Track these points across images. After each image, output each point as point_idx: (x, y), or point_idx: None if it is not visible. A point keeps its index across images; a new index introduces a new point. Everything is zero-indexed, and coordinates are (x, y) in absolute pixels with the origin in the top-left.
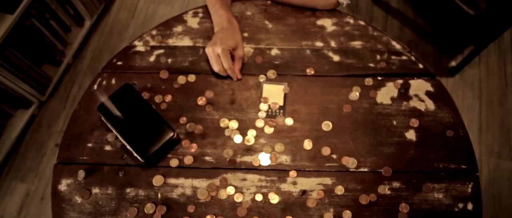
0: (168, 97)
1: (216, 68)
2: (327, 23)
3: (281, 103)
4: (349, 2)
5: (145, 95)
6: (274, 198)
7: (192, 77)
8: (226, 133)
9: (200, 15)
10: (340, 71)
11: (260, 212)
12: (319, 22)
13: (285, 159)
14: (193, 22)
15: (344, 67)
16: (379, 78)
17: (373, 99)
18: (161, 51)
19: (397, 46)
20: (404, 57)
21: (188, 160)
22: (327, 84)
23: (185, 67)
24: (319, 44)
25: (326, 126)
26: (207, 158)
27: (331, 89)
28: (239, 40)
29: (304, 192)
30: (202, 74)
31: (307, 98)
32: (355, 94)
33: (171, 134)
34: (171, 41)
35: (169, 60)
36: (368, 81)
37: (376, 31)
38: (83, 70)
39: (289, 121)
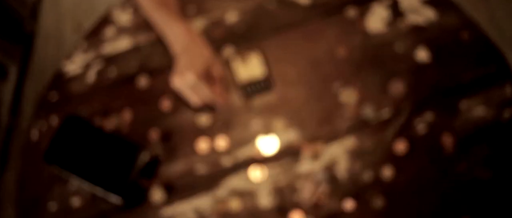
0: (127, 115)
1: (195, 101)
2: None
3: (264, 74)
4: None
5: (98, 121)
6: (298, 185)
7: (145, 81)
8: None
9: (129, 8)
10: (316, 13)
11: (287, 208)
12: None
13: (292, 135)
14: (124, 18)
15: (318, 7)
16: (362, 5)
17: (364, 30)
18: (100, 65)
19: None
20: None
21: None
22: (308, 33)
23: (133, 73)
24: None
25: (323, 75)
26: (198, 166)
27: (314, 37)
28: (211, 55)
29: (280, 210)
30: (155, 73)
31: (291, 58)
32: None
33: (147, 156)
34: (107, 50)
35: (113, 71)
36: (351, 12)
37: None
38: (27, 125)
39: (281, 90)
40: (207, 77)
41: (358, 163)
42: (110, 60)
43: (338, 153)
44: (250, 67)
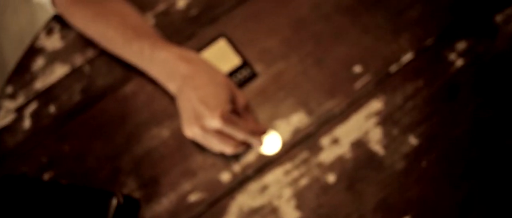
0: (81, 156)
1: (228, 150)
2: None
3: (239, 60)
4: None
5: (47, 175)
6: (326, 179)
7: (96, 110)
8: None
9: (57, 27)
10: None
11: (320, 214)
12: None
13: (299, 118)
14: (53, 42)
15: None
16: None
17: None
18: (35, 105)
19: None
20: None
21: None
22: None
23: (78, 103)
24: None
25: (314, 36)
26: (192, 197)
27: None
28: (226, 81)
29: None
30: (106, 96)
31: (269, 26)
32: None
33: (114, 201)
34: (40, 84)
35: (53, 108)
36: None
37: None
38: None
39: (267, 70)
40: (234, 111)
41: (394, 128)
42: (45, 95)
43: (364, 122)
44: (222, 58)
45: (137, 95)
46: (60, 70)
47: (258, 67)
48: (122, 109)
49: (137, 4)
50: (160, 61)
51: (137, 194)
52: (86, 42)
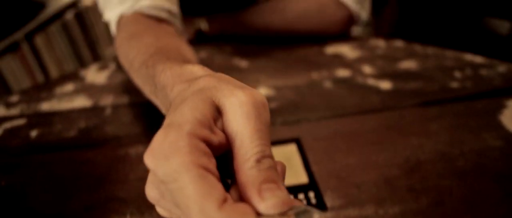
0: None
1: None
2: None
3: (307, 179)
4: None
5: None
6: None
7: (87, 156)
8: None
9: (111, 67)
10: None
11: None
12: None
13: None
14: (96, 76)
15: (403, 93)
16: None
17: None
18: (22, 121)
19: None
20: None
21: None
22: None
23: (68, 139)
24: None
25: (433, 187)
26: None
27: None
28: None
29: None
30: (104, 145)
31: (364, 158)
32: None
33: None
34: (47, 106)
35: (34, 132)
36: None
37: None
38: None
39: (344, 207)
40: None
41: None
42: (42, 118)
43: None
44: (288, 166)
45: (138, 158)
46: (79, 101)
47: (331, 200)
48: (106, 171)
49: None
50: (161, 87)
51: None
52: (128, 88)
